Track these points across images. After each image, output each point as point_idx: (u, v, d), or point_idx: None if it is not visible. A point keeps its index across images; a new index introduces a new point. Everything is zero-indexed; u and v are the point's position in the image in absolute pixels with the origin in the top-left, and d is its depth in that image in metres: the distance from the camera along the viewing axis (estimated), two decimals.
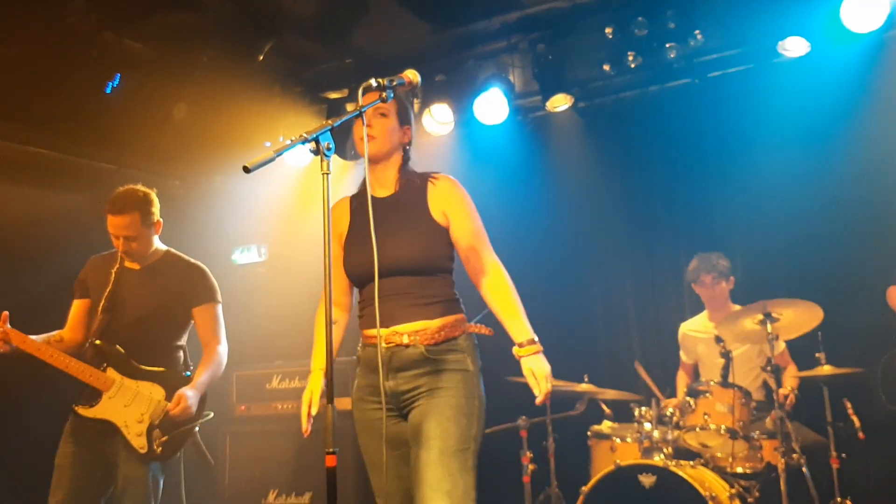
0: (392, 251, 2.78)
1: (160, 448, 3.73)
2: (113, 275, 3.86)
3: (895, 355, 4.43)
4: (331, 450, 2.21)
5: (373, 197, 2.85)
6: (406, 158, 3.00)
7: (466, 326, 2.86)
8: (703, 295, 5.16)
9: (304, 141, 2.26)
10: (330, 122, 2.34)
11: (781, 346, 4.97)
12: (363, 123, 2.70)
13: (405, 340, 2.76)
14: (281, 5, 4.91)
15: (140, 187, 3.92)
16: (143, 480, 3.70)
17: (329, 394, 2.24)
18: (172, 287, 3.92)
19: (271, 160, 2.17)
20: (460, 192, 2.95)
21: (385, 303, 2.76)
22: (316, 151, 2.30)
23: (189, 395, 3.76)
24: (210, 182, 6.80)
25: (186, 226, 6.15)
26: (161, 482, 3.80)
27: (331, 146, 2.32)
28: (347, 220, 3.01)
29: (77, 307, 3.96)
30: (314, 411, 2.79)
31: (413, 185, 2.94)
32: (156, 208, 3.92)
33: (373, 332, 2.78)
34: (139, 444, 3.70)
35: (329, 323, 2.28)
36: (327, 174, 2.31)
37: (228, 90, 5.41)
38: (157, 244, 3.99)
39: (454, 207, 2.90)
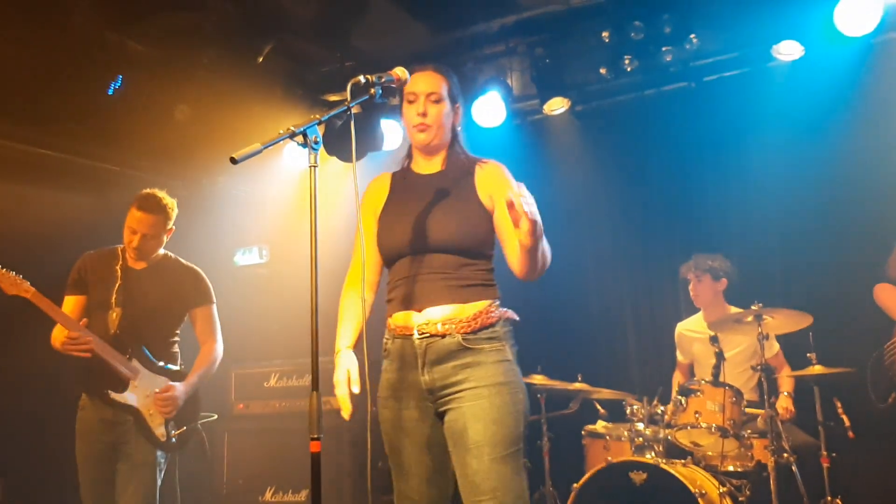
0: (436, 227, 2.67)
1: (176, 440, 4.01)
2: (119, 271, 4.03)
3: (883, 353, 4.46)
4: (315, 436, 2.24)
5: (415, 173, 2.86)
6: (454, 136, 2.87)
7: (502, 312, 2.69)
8: (691, 293, 5.22)
9: (292, 135, 2.30)
10: (317, 116, 2.40)
11: (776, 347, 5.02)
12: (414, 109, 2.73)
13: (439, 329, 2.60)
14: (281, 7, 4.97)
15: (167, 195, 4.13)
16: (152, 464, 3.92)
17: (314, 381, 2.26)
18: (172, 287, 4.13)
19: (258, 152, 2.21)
20: (508, 177, 2.76)
21: (417, 283, 2.66)
22: (304, 145, 2.35)
23: (177, 387, 4.00)
24: (212, 183, 6.86)
25: (189, 227, 6.19)
26: (164, 469, 4.00)
27: (318, 140, 2.37)
28: (385, 196, 2.89)
29: (72, 303, 4.03)
30: (356, 389, 2.64)
31: (460, 164, 2.81)
32: (175, 216, 4.14)
33: (402, 320, 2.67)
34: (161, 432, 3.95)
35: (315, 312, 2.32)
36: (315, 167, 2.36)
37: (230, 92, 5.47)
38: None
39: (501, 192, 2.60)
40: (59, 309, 3.78)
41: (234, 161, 2.18)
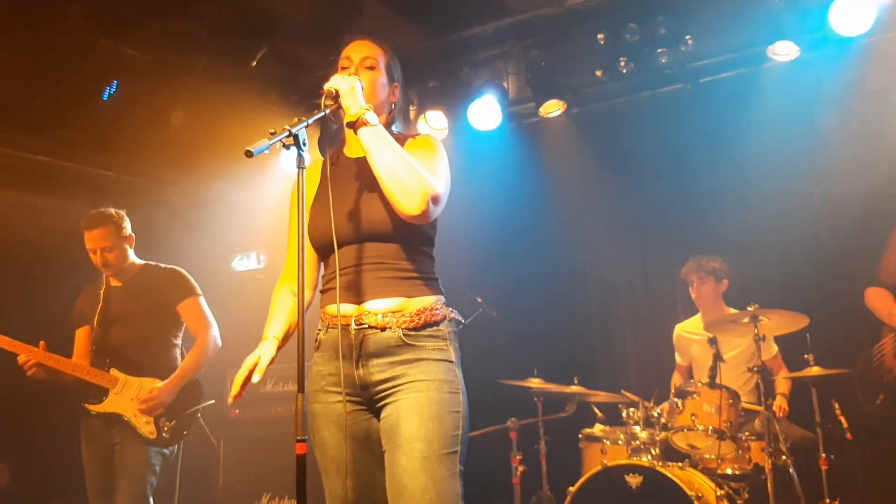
0: (371, 214, 2.47)
1: (168, 434, 4.14)
2: (101, 294, 4.27)
3: (871, 355, 4.45)
4: (301, 437, 2.23)
5: (346, 157, 2.65)
6: (391, 120, 2.68)
7: (448, 311, 2.52)
8: (693, 294, 5.19)
9: (288, 133, 2.31)
10: (303, 118, 2.39)
11: (774, 349, 5.00)
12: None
13: (379, 321, 2.42)
14: (274, 11, 4.96)
15: (112, 208, 4.31)
16: (142, 464, 4.07)
17: (300, 383, 2.25)
18: (154, 293, 4.30)
19: (270, 144, 2.23)
20: (429, 145, 2.56)
21: (354, 274, 2.47)
22: (293, 146, 2.34)
23: (159, 386, 4.15)
24: (209, 189, 6.85)
25: (186, 233, 6.23)
26: (158, 467, 4.14)
27: (305, 142, 2.37)
28: (316, 184, 2.66)
29: (80, 335, 4.33)
30: (256, 378, 2.41)
31: None
32: (127, 224, 4.30)
33: (339, 309, 2.45)
34: (149, 430, 4.10)
35: (303, 314, 2.30)
36: (302, 168, 2.36)
37: (225, 96, 5.46)
38: (133, 258, 4.36)
39: (413, 154, 2.46)
40: (5, 338, 3.92)
41: (249, 154, 2.16)
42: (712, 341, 4.61)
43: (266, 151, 2.28)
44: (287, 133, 2.29)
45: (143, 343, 4.22)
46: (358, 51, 2.63)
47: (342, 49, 2.73)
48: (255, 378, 2.42)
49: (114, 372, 4.13)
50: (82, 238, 4.25)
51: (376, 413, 2.46)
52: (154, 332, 4.28)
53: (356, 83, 2.45)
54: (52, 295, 4.77)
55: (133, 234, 4.32)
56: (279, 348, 2.59)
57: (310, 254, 2.64)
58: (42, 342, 3.98)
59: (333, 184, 2.52)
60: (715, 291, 5.13)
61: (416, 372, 2.39)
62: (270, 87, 5.78)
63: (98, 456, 4.11)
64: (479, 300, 5.29)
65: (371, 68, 2.60)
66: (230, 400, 2.49)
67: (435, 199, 2.37)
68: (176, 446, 4.22)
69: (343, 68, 2.62)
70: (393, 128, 2.68)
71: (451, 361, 2.46)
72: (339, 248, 2.47)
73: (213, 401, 4.42)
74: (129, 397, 4.11)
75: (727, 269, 5.15)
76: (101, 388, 4.09)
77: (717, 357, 4.52)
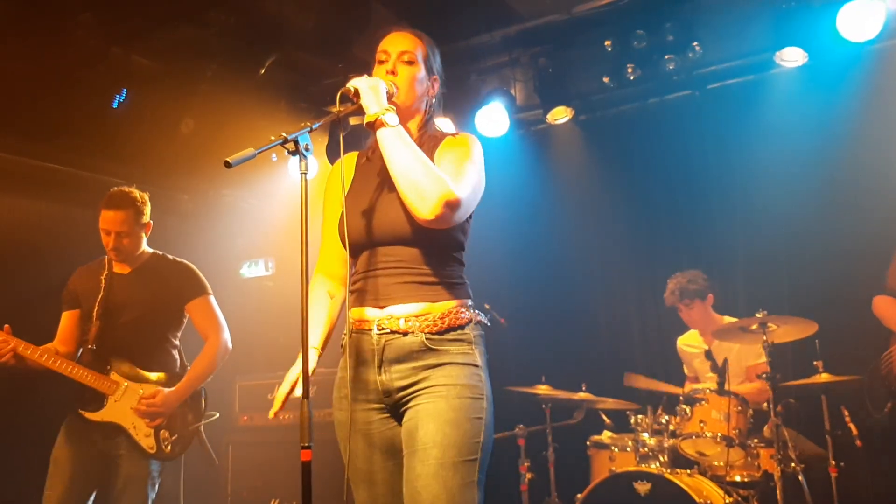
0: (398, 216, 2.38)
1: (169, 447, 3.84)
2: (103, 281, 3.90)
3: (880, 363, 4.42)
4: (306, 444, 2.23)
5: (378, 153, 2.45)
6: (430, 116, 2.59)
7: (474, 315, 2.45)
8: (684, 318, 5.17)
9: (284, 141, 2.30)
10: (308, 123, 2.38)
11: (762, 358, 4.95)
12: (383, 69, 2.47)
13: (402, 326, 2.36)
14: (283, 20, 5.00)
15: (135, 189, 3.99)
16: (143, 479, 3.77)
17: (305, 388, 2.25)
18: (162, 286, 3.97)
19: (252, 156, 2.21)
20: (463, 145, 2.48)
21: (378, 277, 2.41)
22: (295, 153, 2.34)
23: (163, 393, 3.83)
24: (218, 196, 6.88)
25: (194, 240, 6.24)
26: (158, 483, 3.86)
27: (309, 147, 2.36)
28: (350, 178, 2.59)
29: (67, 318, 3.97)
30: (299, 392, 2.33)
31: (434, 142, 2.52)
32: (148, 209, 3.98)
33: (361, 314, 2.42)
34: (148, 444, 3.78)
35: (306, 322, 2.31)
36: (305, 174, 2.35)
37: (234, 104, 5.50)
38: (145, 246, 4.04)
39: (444, 155, 2.45)
40: None
41: (227, 165, 2.15)
42: (708, 355, 4.60)
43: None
44: (272, 144, 2.26)
45: (145, 338, 3.90)
46: (396, 44, 2.54)
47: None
48: (299, 391, 2.34)
49: (115, 376, 3.78)
50: (96, 223, 3.91)
51: (400, 419, 2.40)
52: (156, 326, 3.96)
53: (379, 83, 2.39)
54: (59, 303, 4.78)
55: (151, 222, 4.00)
56: (319, 356, 2.53)
57: (339, 250, 2.55)
58: (7, 325, 3.61)
59: (366, 181, 2.52)
60: (703, 310, 5.06)
61: (438, 376, 2.33)
62: (279, 95, 5.81)
63: (82, 460, 3.75)
64: (487, 307, 5.28)
65: (409, 63, 2.52)
66: (271, 414, 2.48)
67: (453, 204, 2.27)
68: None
69: (380, 62, 2.53)
70: (431, 124, 2.60)
71: (476, 365, 2.38)
72: (364, 249, 2.46)
73: (217, 415, 4.17)
74: (128, 405, 3.78)
75: (709, 282, 5.06)
76: (99, 392, 3.74)
77: (720, 368, 4.50)
